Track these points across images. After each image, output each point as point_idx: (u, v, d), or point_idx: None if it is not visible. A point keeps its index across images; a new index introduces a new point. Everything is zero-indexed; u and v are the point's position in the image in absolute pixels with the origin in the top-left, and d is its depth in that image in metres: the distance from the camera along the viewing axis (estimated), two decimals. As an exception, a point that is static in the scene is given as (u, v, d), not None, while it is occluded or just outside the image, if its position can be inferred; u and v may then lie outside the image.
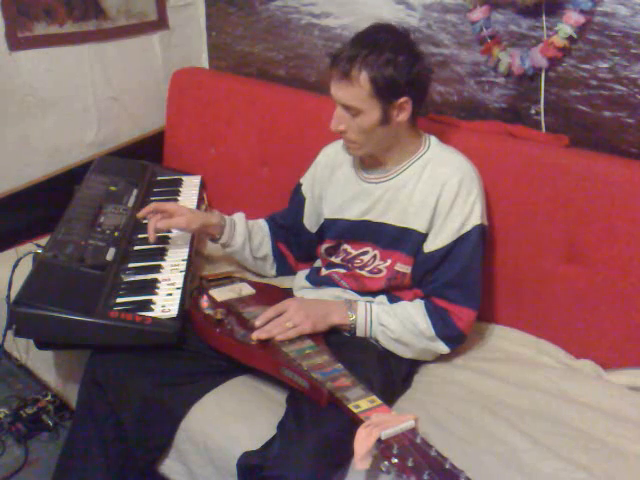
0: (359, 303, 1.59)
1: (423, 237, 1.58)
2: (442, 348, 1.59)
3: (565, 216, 1.65)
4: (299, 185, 1.83)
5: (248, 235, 1.83)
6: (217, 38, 2.60)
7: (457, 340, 1.61)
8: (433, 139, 1.64)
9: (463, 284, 1.58)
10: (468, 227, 1.56)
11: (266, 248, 1.88)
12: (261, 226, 1.89)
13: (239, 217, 1.85)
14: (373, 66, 1.44)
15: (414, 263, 1.61)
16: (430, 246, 1.57)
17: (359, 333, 1.57)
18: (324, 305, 1.58)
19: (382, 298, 1.64)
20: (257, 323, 1.50)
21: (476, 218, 1.57)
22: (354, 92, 1.47)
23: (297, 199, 1.83)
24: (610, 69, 1.69)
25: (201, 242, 2.12)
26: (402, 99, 1.48)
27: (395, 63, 1.45)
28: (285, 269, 1.92)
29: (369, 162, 1.65)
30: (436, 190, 1.56)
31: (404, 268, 1.61)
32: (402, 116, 1.51)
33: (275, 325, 1.49)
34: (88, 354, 1.57)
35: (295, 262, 1.91)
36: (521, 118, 1.88)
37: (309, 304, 1.57)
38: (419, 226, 1.58)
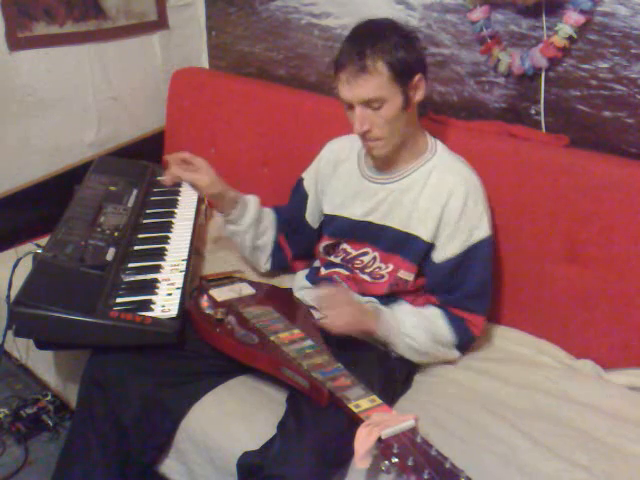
0: (386, 313, 1.55)
1: (427, 246, 1.57)
2: (455, 354, 1.61)
3: (565, 216, 1.66)
4: (301, 180, 1.83)
5: (256, 219, 1.80)
6: (217, 38, 2.60)
7: (469, 346, 1.64)
8: (439, 144, 1.63)
9: (481, 294, 1.60)
10: (478, 237, 1.56)
11: (269, 236, 1.85)
12: (269, 213, 1.87)
13: (253, 199, 1.82)
14: (386, 52, 1.46)
15: (425, 274, 1.61)
16: (440, 256, 1.57)
17: (381, 338, 1.55)
18: (363, 311, 1.53)
19: (405, 307, 1.60)
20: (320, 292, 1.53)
21: (485, 229, 1.57)
22: (375, 82, 1.46)
23: (298, 194, 1.83)
24: (610, 69, 1.69)
25: (201, 242, 2.12)
26: (416, 77, 1.50)
27: (402, 45, 1.47)
28: (280, 263, 1.90)
29: (379, 163, 1.64)
30: (442, 199, 1.55)
31: (407, 275, 1.61)
32: (419, 95, 1.52)
33: (330, 303, 1.49)
34: (88, 354, 1.57)
35: (292, 258, 1.90)
36: (521, 118, 1.88)
37: (357, 308, 1.53)
38: (423, 233, 1.57)
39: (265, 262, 1.89)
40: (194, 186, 1.77)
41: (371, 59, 1.45)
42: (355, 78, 1.47)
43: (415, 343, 1.54)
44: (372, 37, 1.48)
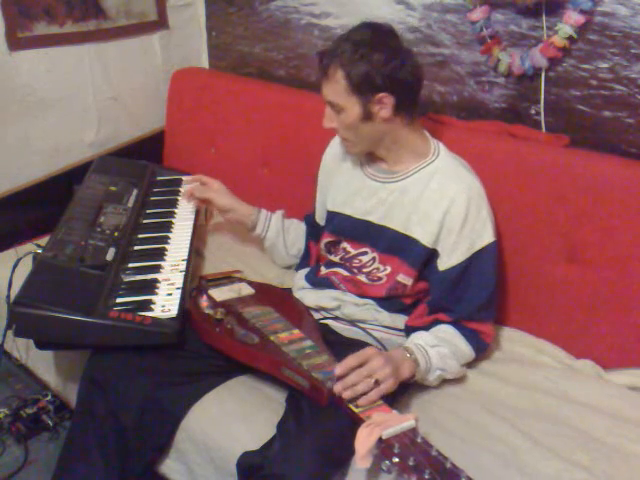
0: (417, 355, 1.46)
1: (427, 251, 1.56)
2: (464, 368, 1.60)
3: (565, 216, 1.66)
4: (317, 180, 1.84)
5: (282, 229, 1.88)
6: (217, 38, 2.60)
7: (482, 354, 1.64)
8: (442, 147, 1.62)
9: (490, 302, 1.59)
10: (482, 244, 1.55)
11: (300, 245, 1.91)
12: (299, 224, 1.93)
13: (277, 213, 1.91)
14: (348, 63, 1.47)
15: (430, 283, 1.60)
16: (445, 264, 1.56)
17: (416, 379, 1.50)
18: (396, 359, 1.42)
19: (428, 338, 1.53)
20: (337, 371, 1.30)
21: (489, 235, 1.56)
22: (333, 89, 1.51)
23: (315, 193, 1.85)
24: (610, 69, 1.69)
25: (201, 242, 2.12)
26: (380, 94, 1.48)
27: (369, 59, 1.46)
28: (305, 265, 1.90)
29: (374, 160, 1.65)
30: (443, 204, 1.54)
31: (405, 279, 1.60)
32: (384, 112, 1.51)
33: (358, 377, 1.30)
34: (88, 354, 1.57)
35: (315, 261, 1.89)
36: (521, 118, 1.89)
37: (391, 358, 1.39)
38: (422, 237, 1.56)
39: (294, 265, 1.95)
40: (206, 201, 1.96)
41: (333, 67, 1.49)
42: (322, 78, 1.54)
43: (447, 374, 1.54)
44: (346, 44, 1.48)
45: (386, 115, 1.51)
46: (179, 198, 2.14)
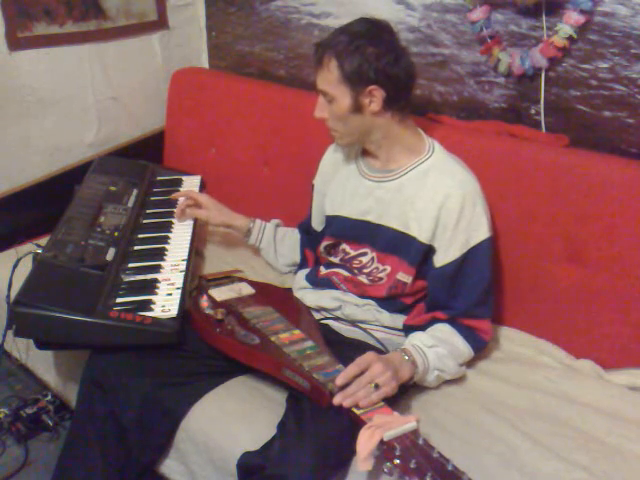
0: (415, 356, 1.47)
1: (424, 247, 1.56)
2: (464, 368, 1.60)
3: (565, 216, 1.66)
4: (312, 186, 1.84)
5: (273, 240, 1.92)
6: (217, 38, 2.60)
7: (481, 352, 1.64)
8: (437, 145, 1.62)
9: (486, 298, 1.59)
10: (478, 239, 1.55)
11: (295, 256, 1.93)
12: (293, 232, 1.94)
13: (271, 223, 1.94)
14: (342, 53, 1.48)
15: (427, 279, 1.60)
16: (441, 261, 1.56)
17: (414, 380, 1.49)
18: (395, 362, 1.42)
19: (425, 339, 1.52)
20: (338, 382, 1.29)
21: (485, 231, 1.56)
22: (326, 78, 1.52)
23: (311, 200, 1.85)
24: (610, 69, 1.69)
25: (201, 242, 2.12)
26: (371, 87, 1.49)
27: (363, 51, 1.47)
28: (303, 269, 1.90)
29: (369, 157, 1.65)
30: (438, 200, 1.54)
31: (405, 278, 1.60)
32: (374, 105, 1.51)
33: (358, 386, 1.29)
34: (88, 354, 1.57)
35: (313, 264, 1.89)
36: (521, 118, 1.89)
37: (390, 361, 1.40)
38: (419, 234, 1.56)
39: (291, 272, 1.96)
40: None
41: (327, 56, 1.51)
42: (316, 66, 1.55)
43: (446, 375, 1.54)
44: (342, 35, 1.50)
45: (376, 109, 1.52)
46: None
